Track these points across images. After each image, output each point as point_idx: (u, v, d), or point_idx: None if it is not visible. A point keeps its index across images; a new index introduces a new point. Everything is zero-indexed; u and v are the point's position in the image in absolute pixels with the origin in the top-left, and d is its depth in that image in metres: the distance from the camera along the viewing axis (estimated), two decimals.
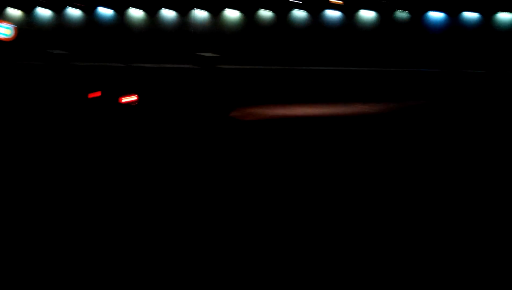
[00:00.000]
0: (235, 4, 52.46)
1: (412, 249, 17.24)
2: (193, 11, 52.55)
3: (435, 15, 52.09)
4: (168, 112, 37.73)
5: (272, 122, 34.44)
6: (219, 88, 44.02)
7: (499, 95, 44.23)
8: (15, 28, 44.64)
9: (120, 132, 32.55)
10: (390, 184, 23.62)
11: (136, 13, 52.85)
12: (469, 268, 16.17)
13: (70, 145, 29.36)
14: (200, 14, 52.59)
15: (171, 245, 17.24)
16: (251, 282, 15.28)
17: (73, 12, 52.97)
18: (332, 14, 52.41)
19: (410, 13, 51.99)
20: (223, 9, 52.61)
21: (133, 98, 39.65)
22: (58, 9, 52.93)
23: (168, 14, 52.73)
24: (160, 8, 52.64)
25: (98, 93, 40.25)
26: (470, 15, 51.84)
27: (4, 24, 44.64)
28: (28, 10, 52.93)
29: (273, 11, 52.49)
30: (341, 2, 51.81)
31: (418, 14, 51.99)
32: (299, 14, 52.55)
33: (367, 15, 52.33)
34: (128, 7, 52.73)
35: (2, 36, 44.02)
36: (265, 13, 52.64)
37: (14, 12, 52.95)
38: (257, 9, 52.54)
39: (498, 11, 51.49)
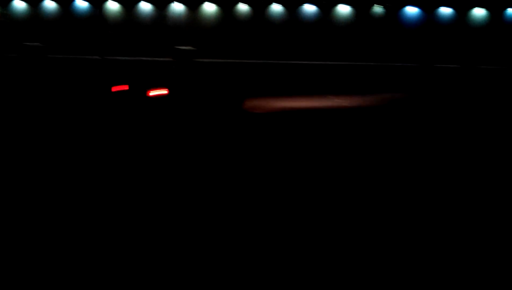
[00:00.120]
0: None
1: (402, 247, 17.26)
2: (171, 4, 52.48)
3: (411, 10, 52.62)
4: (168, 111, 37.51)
5: (281, 114, 35.25)
6: (215, 82, 43.99)
7: (473, 89, 44.89)
8: None
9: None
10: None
11: (113, 6, 52.63)
12: (465, 266, 16.07)
13: (75, 138, 28.97)
14: (178, 8, 52.55)
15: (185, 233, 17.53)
16: (253, 279, 15.16)
17: (49, 5, 52.61)
18: (309, 8, 52.70)
19: (386, 8, 52.47)
20: (202, 2, 52.61)
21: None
22: (35, 2, 52.54)
23: (145, 7, 52.62)
24: (139, 1, 52.50)
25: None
26: (446, 11, 52.47)
27: None
28: (4, 3, 52.49)
29: (251, 5, 52.62)
30: None
31: (394, 9, 52.48)
32: (276, 8, 52.74)
33: (344, 10, 52.69)
34: (106, 0, 52.50)
35: None
36: (243, 7, 52.74)
37: None
38: (236, 3, 52.61)
39: (473, 7, 52.22)
